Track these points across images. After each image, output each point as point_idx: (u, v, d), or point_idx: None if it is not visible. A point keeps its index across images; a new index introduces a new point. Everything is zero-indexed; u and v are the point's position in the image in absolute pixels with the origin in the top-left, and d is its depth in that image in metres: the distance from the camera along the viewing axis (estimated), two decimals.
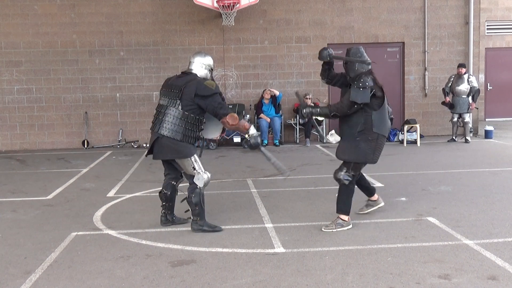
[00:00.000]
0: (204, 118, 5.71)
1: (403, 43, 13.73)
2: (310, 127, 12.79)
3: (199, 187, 5.58)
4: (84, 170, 9.76)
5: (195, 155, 5.61)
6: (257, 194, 7.43)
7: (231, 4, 12.00)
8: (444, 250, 4.93)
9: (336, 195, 5.72)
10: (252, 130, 5.60)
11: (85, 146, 12.98)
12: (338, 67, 5.88)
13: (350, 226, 5.61)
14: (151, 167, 9.87)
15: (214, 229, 5.65)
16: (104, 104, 13.19)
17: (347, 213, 5.60)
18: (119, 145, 13.03)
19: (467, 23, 13.64)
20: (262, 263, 4.69)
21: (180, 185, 5.94)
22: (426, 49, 13.69)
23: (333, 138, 13.08)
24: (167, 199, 5.84)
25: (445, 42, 13.76)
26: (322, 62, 5.88)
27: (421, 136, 12.76)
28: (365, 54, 5.77)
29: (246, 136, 5.61)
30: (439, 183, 7.92)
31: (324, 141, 13.04)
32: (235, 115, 5.56)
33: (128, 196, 7.51)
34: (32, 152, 12.64)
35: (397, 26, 13.64)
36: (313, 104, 5.96)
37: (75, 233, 5.71)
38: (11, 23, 12.92)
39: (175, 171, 5.82)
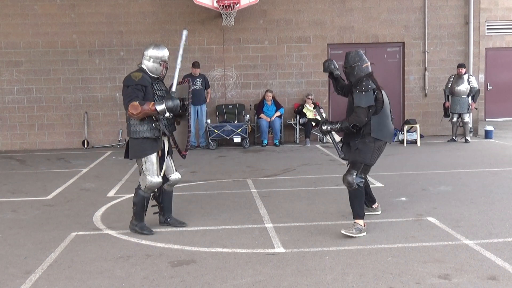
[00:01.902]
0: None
1: (403, 43, 13.73)
2: (310, 127, 12.79)
3: (142, 188, 5.55)
4: (84, 170, 9.76)
5: (149, 156, 5.49)
6: (257, 194, 7.43)
7: (231, 4, 12.00)
8: (444, 250, 4.93)
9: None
10: (160, 107, 5.32)
11: (85, 146, 12.98)
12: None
13: (365, 228, 5.53)
14: None
15: (142, 231, 5.59)
16: (104, 104, 13.18)
17: (363, 217, 5.50)
18: (119, 145, 13.02)
19: (467, 23, 13.63)
20: (262, 263, 4.69)
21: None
22: (426, 49, 13.68)
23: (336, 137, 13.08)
24: (156, 200, 5.86)
25: (445, 42, 13.76)
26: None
27: (421, 136, 12.76)
28: (364, 56, 5.75)
29: (159, 109, 5.30)
30: (439, 183, 7.92)
31: (324, 141, 13.03)
32: (135, 103, 5.30)
33: (128, 196, 7.50)
34: (32, 152, 12.64)
35: (397, 26, 13.64)
36: (329, 120, 5.92)
37: (75, 233, 5.71)
38: (11, 23, 12.92)
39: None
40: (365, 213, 5.85)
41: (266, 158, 10.95)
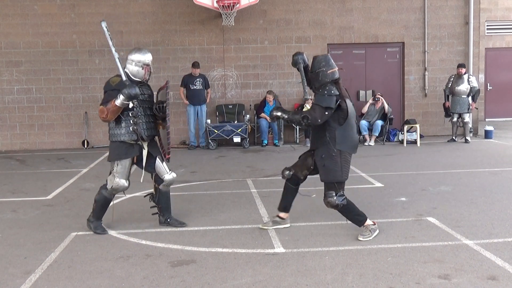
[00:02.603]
0: (130, 112, 5.45)
1: (403, 43, 13.73)
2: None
3: (107, 188, 5.60)
4: (84, 170, 9.76)
5: (124, 160, 5.53)
6: (257, 194, 7.43)
7: (231, 4, 12.00)
8: (444, 250, 4.93)
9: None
10: (118, 100, 5.29)
11: (85, 146, 12.98)
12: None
13: (376, 226, 5.44)
14: None
15: (96, 231, 5.64)
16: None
17: (366, 218, 5.39)
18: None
19: (467, 23, 13.63)
20: (262, 263, 4.69)
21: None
22: (426, 49, 13.68)
23: None
24: (154, 202, 5.91)
25: (445, 42, 13.76)
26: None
27: (421, 136, 12.75)
28: (331, 62, 5.44)
29: (118, 102, 5.28)
30: (439, 183, 7.92)
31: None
32: (101, 107, 5.37)
33: (128, 196, 7.49)
34: (32, 152, 12.64)
35: (397, 26, 13.64)
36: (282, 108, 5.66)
37: (75, 233, 5.71)
38: (11, 23, 12.91)
39: (153, 172, 5.80)
40: (274, 228, 5.72)
41: (266, 158, 10.95)
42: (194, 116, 12.57)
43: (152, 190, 5.98)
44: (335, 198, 5.28)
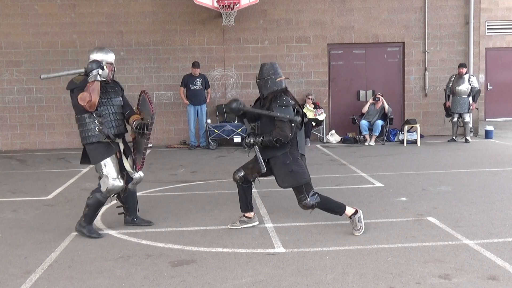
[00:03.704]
0: (94, 113, 5.40)
1: (403, 43, 13.73)
2: (310, 127, 12.79)
3: (102, 191, 5.48)
4: (84, 170, 9.76)
5: (109, 159, 5.46)
6: (257, 194, 7.42)
7: (231, 4, 12.00)
8: (444, 250, 4.93)
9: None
10: (90, 77, 5.30)
11: None
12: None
13: (361, 211, 5.48)
14: (151, 167, 9.87)
15: (91, 235, 5.53)
16: None
17: (345, 208, 5.46)
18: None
19: (467, 23, 13.63)
20: (262, 263, 4.69)
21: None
22: (426, 49, 13.69)
23: (333, 138, 13.11)
24: (121, 201, 5.89)
25: (445, 42, 13.76)
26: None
27: (421, 136, 12.76)
28: (279, 70, 5.49)
29: (93, 78, 5.27)
30: (439, 183, 7.92)
31: (324, 141, 13.06)
32: (80, 94, 5.28)
33: None
34: (32, 152, 12.64)
35: (397, 26, 13.64)
36: (253, 132, 5.61)
37: (75, 233, 5.70)
38: (12, 23, 12.92)
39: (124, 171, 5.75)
40: (242, 227, 5.75)
41: None
42: (194, 116, 12.57)
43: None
44: (308, 199, 5.39)
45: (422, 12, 13.63)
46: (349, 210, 5.48)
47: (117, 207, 5.95)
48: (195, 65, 12.46)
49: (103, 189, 5.47)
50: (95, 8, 13.03)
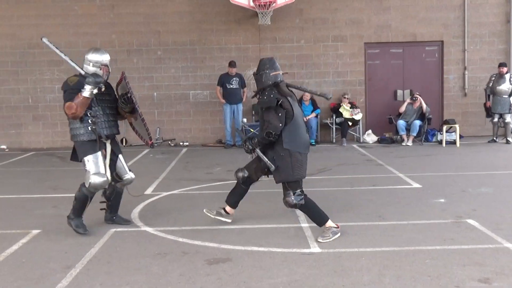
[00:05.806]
0: (88, 112, 5.44)
1: (442, 41, 13.49)
2: (346, 126, 12.70)
3: (86, 186, 5.53)
4: None
5: (92, 155, 5.48)
6: None
7: (267, 3, 12.01)
8: (484, 253, 4.83)
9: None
10: (85, 91, 5.31)
11: (124, 144, 13.18)
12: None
13: (339, 229, 5.37)
14: (188, 165, 9.97)
15: (77, 230, 5.58)
16: (141, 103, 13.32)
17: (327, 219, 5.35)
18: (156, 143, 13.18)
19: (508, 21, 13.31)
20: (298, 263, 4.68)
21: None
22: (465, 48, 13.41)
23: (370, 138, 12.98)
24: (106, 197, 5.94)
25: (485, 40, 13.46)
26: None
27: (461, 137, 12.51)
28: (276, 65, 5.51)
29: (86, 94, 5.29)
30: (479, 184, 7.75)
31: (361, 141, 12.95)
32: (68, 103, 5.31)
33: (165, 194, 7.60)
34: None
35: (435, 25, 13.40)
36: (248, 134, 5.67)
37: (114, 229, 5.81)
38: (52, 24, 13.22)
39: (113, 171, 5.81)
40: (215, 218, 5.79)
41: None
42: (231, 115, 12.63)
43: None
44: (292, 198, 5.31)
45: (462, 10, 13.36)
46: (330, 223, 5.36)
47: (100, 202, 5.98)
48: (232, 64, 12.51)
49: (86, 184, 5.54)
50: (133, 8, 13.23)
